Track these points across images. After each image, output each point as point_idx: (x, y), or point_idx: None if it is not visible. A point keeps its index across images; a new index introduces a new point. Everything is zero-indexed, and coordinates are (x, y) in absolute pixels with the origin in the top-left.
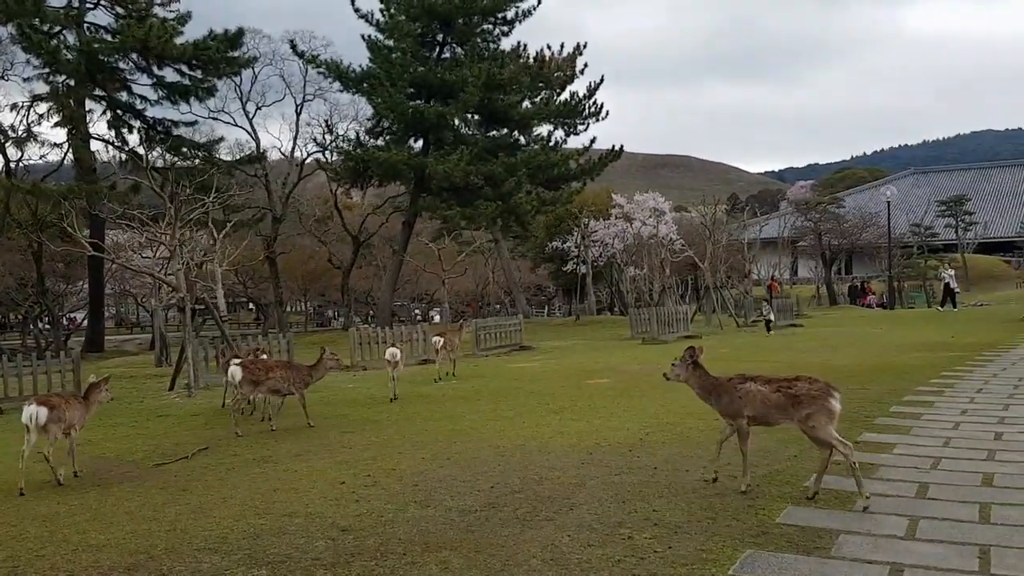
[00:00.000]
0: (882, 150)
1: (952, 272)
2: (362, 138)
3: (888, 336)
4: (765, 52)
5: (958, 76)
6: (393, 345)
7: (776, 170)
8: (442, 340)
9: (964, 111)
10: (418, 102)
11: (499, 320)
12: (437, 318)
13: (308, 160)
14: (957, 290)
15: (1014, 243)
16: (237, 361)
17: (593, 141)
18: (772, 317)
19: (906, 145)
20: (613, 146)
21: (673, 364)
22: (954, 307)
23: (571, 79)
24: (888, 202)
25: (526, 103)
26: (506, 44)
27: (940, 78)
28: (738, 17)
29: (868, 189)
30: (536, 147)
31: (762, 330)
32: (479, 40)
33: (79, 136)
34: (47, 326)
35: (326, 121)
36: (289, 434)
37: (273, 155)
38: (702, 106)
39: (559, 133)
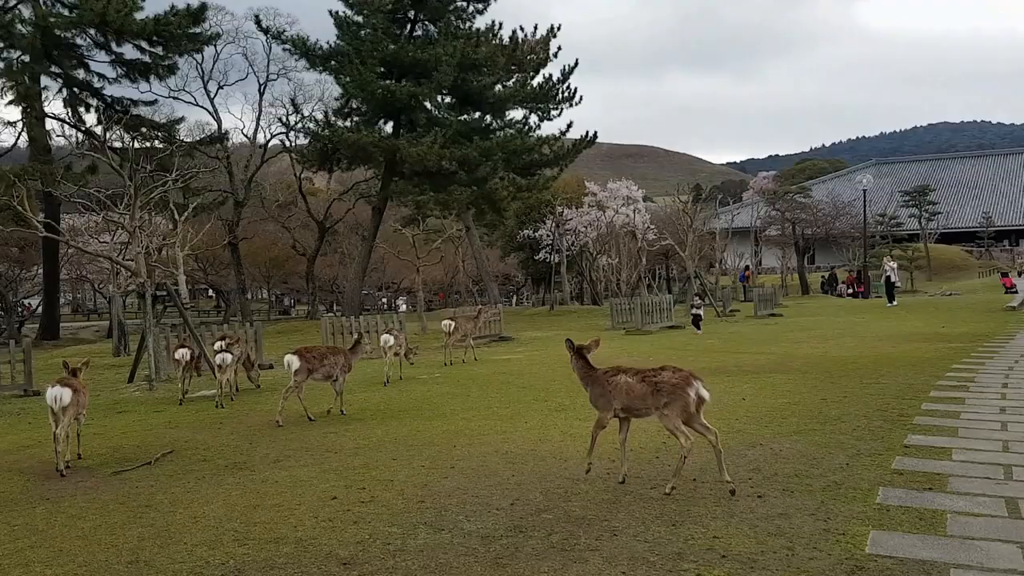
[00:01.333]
0: (840, 142)
1: (894, 265)
2: (330, 118)
3: (875, 326)
4: (726, 44)
5: (913, 71)
6: (388, 331)
7: (738, 161)
8: (452, 324)
9: (919, 105)
10: (389, 82)
11: (465, 311)
12: (403, 307)
13: (272, 142)
14: (898, 284)
15: (976, 233)
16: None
17: (570, 126)
18: (702, 313)
19: (864, 137)
20: (587, 132)
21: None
22: (891, 302)
23: (544, 62)
24: (864, 190)
25: (499, 86)
26: (480, 23)
27: (895, 72)
28: (700, 9)
29: (832, 179)
30: (511, 132)
31: (750, 320)
32: (452, 18)
33: (34, 114)
34: (2, 311)
35: (292, 99)
36: (262, 434)
37: (236, 137)
38: (665, 97)
39: (533, 119)
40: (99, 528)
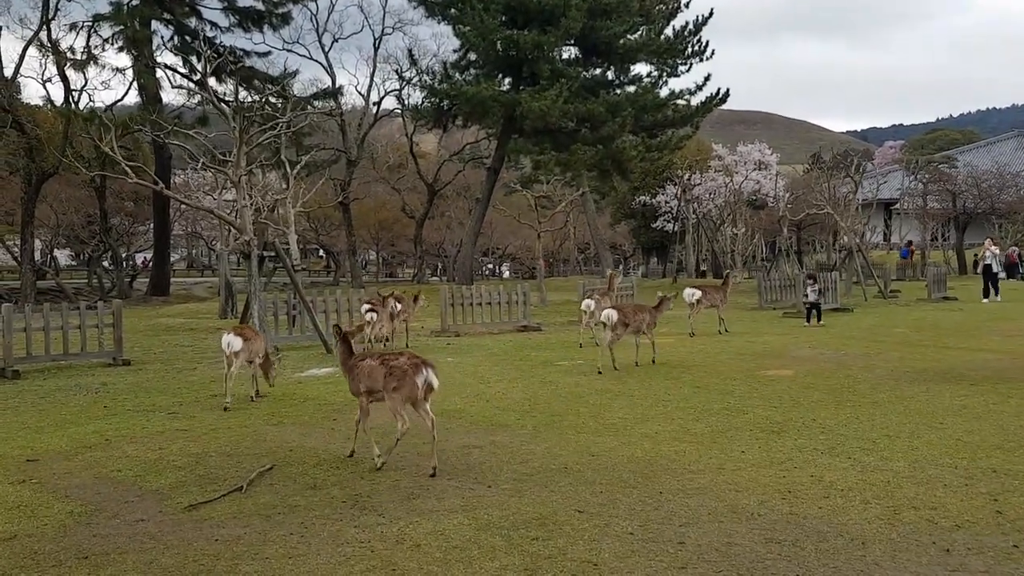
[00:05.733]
0: (969, 113)
1: (996, 250)
2: (448, 71)
3: None
4: (846, 10)
5: None
6: (590, 296)
7: (859, 130)
8: (698, 293)
9: None
10: (512, 31)
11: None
12: (507, 274)
13: (385, 100)
14: (1001, 275)
15: None
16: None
17: (708, 79)
18: (819, 300)
19: (995, 108)
20: (719, 89)
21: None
22: (996, 294)
23: (675, 12)
24: None
25: (628, 36)
26: None
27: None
28: None
29: (970, 150)
30: (639, 87)
31: (913, 304)
32: None
33: (144, 61)
34: (112, 266)
35: (409, 50)
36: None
37: (349, 95)
38: (780, 62)
39: (657, 74)
40: None
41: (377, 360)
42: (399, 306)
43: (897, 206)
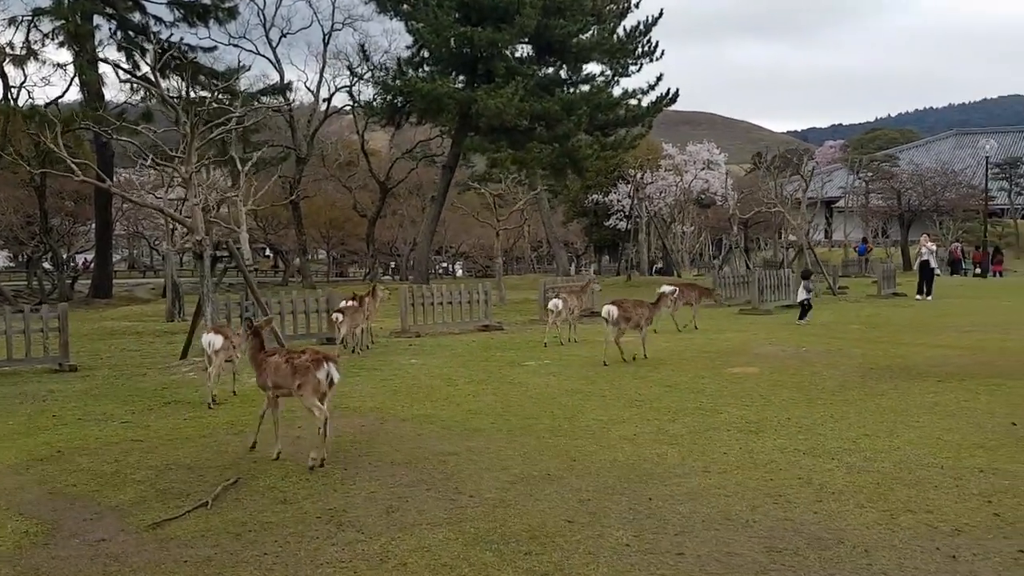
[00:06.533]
0: (907, 112)
1: (933, 247)
2: (403, 67)
3: None
4: (785, 11)
5: (982, 43)
6: (557, 296)
7: (799, 130)
8: (676, 290)
9: (988, 77)
10: (465, 28)
11: (571, 281)
12: (460, 272)
13: (335, 97)
14: (938, 272)
15: None
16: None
17: (660, 79)
18: (809, 300)
19: (932, 108)
20: (668, 89)
21: (237, 333)
22: (928, 294)
23: (625, 12)
24: (987, 157)
25: (581, 35)
26: None
27: (963, 44)
28: None
29: (910, 149)
30: (592, 86)
31: (884, 300)
32: None
33: (86, 56)
34: (52, 267)
35: (361, 46)
36: (357, 450)
37: (299, 93)
38: (722, 63)
39: (609, 74)
40: None
41: (283, 358)
42: (367, 301)
43: (840, 204)
